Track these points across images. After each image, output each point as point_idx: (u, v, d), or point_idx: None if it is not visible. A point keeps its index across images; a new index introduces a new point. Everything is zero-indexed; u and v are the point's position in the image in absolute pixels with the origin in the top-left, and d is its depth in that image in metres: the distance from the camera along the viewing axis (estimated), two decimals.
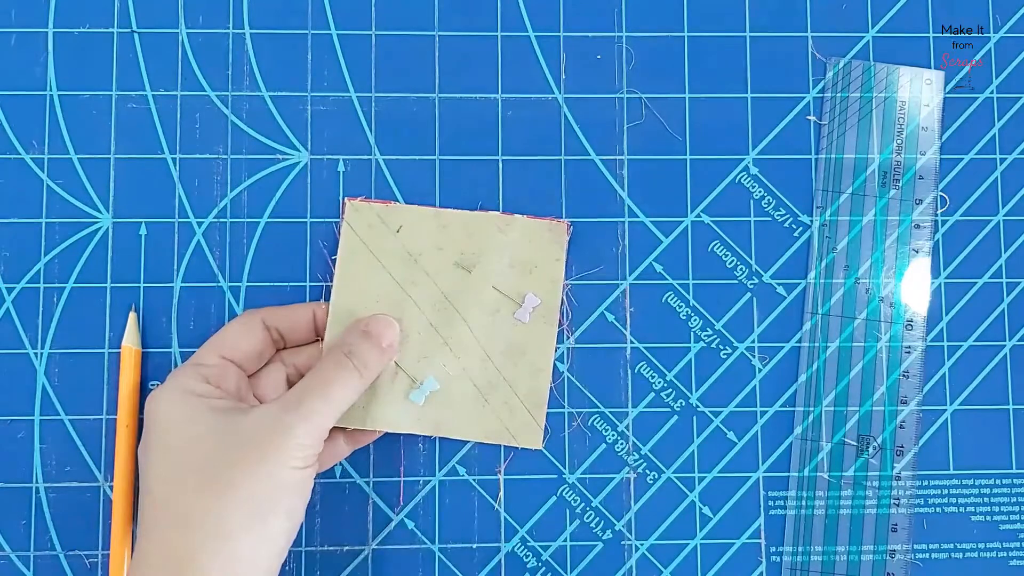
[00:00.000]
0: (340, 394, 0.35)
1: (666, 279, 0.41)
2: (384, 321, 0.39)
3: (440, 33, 0.42)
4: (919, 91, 0.42)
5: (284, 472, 0.33)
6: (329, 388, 0.35)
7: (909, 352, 0.41)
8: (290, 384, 0.38)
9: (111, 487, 0.39)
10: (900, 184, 0.41)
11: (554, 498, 0.40)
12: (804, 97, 0.42)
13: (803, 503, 0.41)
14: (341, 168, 0.41)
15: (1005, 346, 0.42)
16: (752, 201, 0.42)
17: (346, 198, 0.40)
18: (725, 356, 0.41)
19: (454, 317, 0.40)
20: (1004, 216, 0.42)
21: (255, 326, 0.37)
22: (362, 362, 0.37)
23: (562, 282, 0.41)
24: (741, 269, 0.42)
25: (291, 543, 0.34)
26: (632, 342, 0.41)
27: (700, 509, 0.41)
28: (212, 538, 0.32)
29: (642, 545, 0.40)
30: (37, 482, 0.40)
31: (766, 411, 0.41)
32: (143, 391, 0.40)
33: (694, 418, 0.41)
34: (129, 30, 0.41)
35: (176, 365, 0.40)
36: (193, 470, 0.33)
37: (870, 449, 0.41)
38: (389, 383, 0.39)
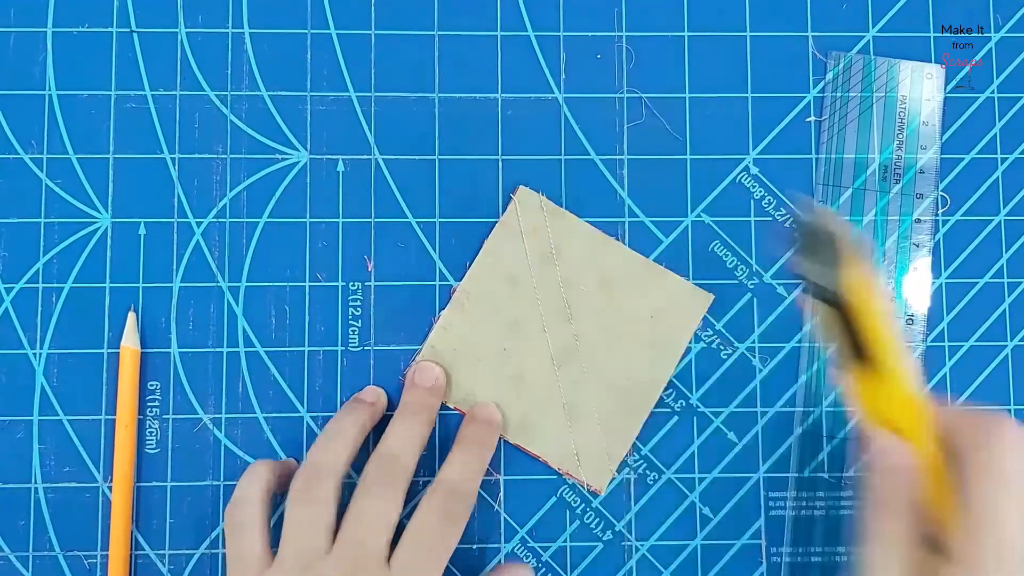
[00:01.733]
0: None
1: None
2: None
3: (440, 33, 0.42)
4: (920, 86, 0.42)
5: None
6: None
7: (910, 348, 0.41)
8: None
9: (110, 487, 0.39)
10: (901, 181, 0.41)
11: (554, 498, 0.40)
12: (804, 97, 0.42)
13: (803, 504, 0.41)
14: (341, 168, 0.41)
15: (1006, 346, 0.42)
16: (752, 201, 0.42)
17: (520, 186, 0.41)
18: (725, 356, 0.41)
19: (573, 340, 0.40)
20: (1005, 216, 0.42)
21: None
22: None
23: (684, 348, 0.41)
24: (741, 269, 0.42)
25: None
26: None
27: (700, 510, 0.41)
28: None
29: (642, 546, 0.40)
30: (36, 482, 0.39)
31: (766, 411, 0.41)
32: (142, 391, 0.40)
33: (694, 418, 0.41)
34: (128, 30, 0.41)
35: (176, 366, 0.40)
36: None
37: None
38: (500, 371, 0.40)
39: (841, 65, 0.42)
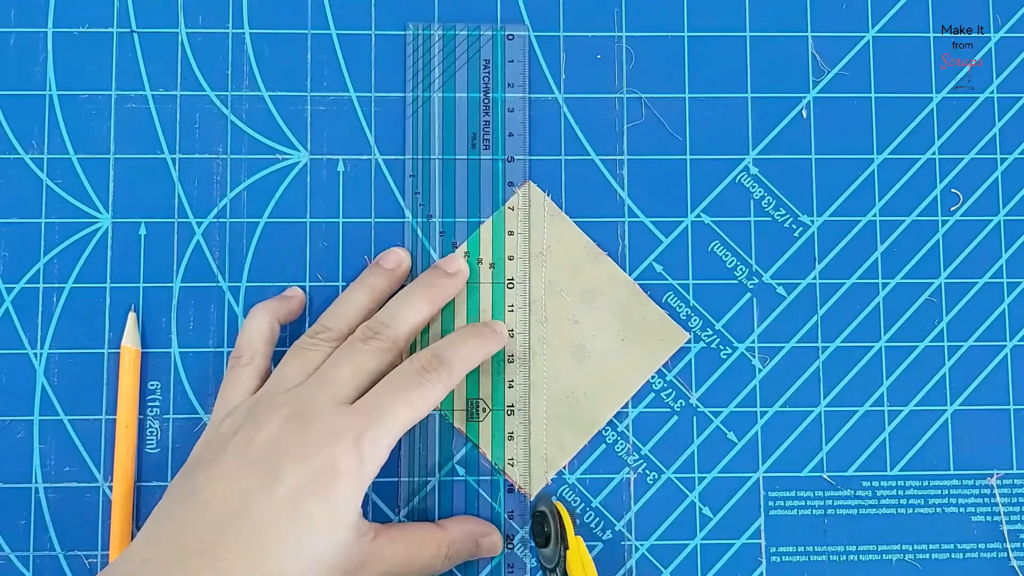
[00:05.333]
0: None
1: (666, 279, 0.41)
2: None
3: (440, 33, 0.42)
4: (500, 48, 0.41)
5: None
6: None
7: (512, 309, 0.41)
8: None
9: (111, 487, 0.39)
10: (491, 147, 0.41)
11: (554, 498, 0.40)
12: (804, 97, 0.42)
13: (803, 503, 0.41)
14: (341, 168, 0.41)
15: (1006, 346, 0.42)
16: (752, 201, 0.42)
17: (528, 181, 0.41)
18: (725, 356, 0.41)
19: (539, 342, 0.41)
20: (1004, 216, 0.42)
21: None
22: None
23: (645, 379, 0.41)
24: (741, 269, 0.42)
25: None
26: None
27: (700, 509, 0.41)
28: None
29: (642, 545, 0.40)
30: (36, 482, 0.40)
31: (766, 411, 0.41)
32: (142, 391, 0.40)
33: (694, 418, 0.41)
34: (128, 30, 0.41)
35: (176, 366, 0.40)
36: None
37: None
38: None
39: (420, 35, 0.41)
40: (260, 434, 0.34)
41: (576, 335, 0.41)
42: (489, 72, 0.41)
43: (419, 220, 0.41)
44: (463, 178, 0.41)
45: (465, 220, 0.41)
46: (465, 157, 0.41)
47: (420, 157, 0.41)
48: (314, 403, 0.35)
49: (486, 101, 0.41)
